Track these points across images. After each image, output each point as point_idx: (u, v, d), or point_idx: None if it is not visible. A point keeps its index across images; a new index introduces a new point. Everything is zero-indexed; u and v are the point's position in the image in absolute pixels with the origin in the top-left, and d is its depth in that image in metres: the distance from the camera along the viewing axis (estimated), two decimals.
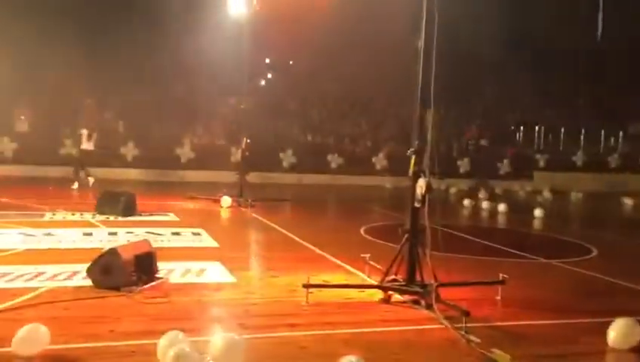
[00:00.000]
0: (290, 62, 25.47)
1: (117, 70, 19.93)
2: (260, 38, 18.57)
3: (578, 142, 27.27)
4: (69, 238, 8.83)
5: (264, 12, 15.09)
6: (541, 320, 5.79)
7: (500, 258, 9.01)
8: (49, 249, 8.06)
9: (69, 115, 19.12)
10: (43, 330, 4.32)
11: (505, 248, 9.75)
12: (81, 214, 11.06)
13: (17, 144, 19.55)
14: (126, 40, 20.81)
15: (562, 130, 27.79)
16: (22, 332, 4.25)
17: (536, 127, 28.11)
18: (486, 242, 10.47)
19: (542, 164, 25.50)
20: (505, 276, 6.26)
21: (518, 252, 9.46)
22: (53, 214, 11.02)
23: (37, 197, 13.16)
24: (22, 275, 6.42)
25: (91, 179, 16.15)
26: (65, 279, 6.38)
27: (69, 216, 10.92)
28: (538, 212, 14.49)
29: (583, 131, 27.37)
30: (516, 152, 25.41)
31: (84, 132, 16.20)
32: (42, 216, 10.83)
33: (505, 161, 24.68)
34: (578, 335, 5.41)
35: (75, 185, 16.02)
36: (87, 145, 16.24)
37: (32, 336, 4.27)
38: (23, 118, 20.18)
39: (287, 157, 22.39)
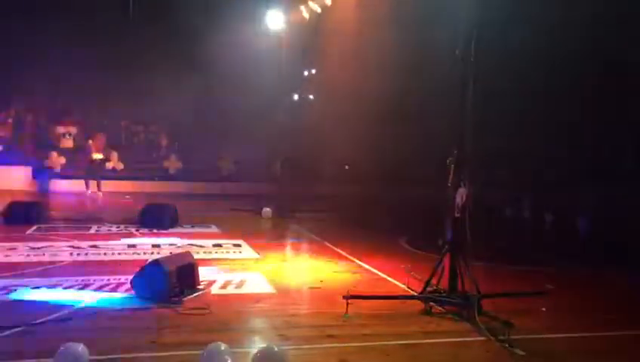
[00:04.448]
0: (313, 71, 25.20)
1: (159, 85, 20.33)
2: (301, 51, 18.74)
3: None
4: (114, 250, 9.02)
5: (306, 25, 15.28)
6: (588, 332, 5.64)
7: (545, 268, 8.82)
8: (94, 261, 8.25)
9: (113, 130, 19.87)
10: (81, 349, 4.25)
11: (549, 257, 9.53)
12: (126, 227, 11.29)
13: (64, 159, 20.16)
14: (166, 55, 21.21)
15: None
16: (60, 351, 4.21)
17: None
18: (530, 251, 10.26)
19: None
20: (550, 286, 6.12)
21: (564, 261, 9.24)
22: (99, 227, 11.29)
23: (83, 210, 13.49)
24: (69, 287, 6.58)
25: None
26: (110, 290, 6.51)
27: (114, 229, 11.16)
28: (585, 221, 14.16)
29: None
30: None
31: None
32: (88, 228, 11.10)
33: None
34: (627, 348, 5.25)
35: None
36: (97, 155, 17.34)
37: (71, 356, 4.23)
38: (68, 134, 20.83)
39: (326, 169, 22.42)
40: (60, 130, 20.80)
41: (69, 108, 20.96)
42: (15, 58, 19.44)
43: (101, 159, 17.75)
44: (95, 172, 17.57)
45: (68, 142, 20.84)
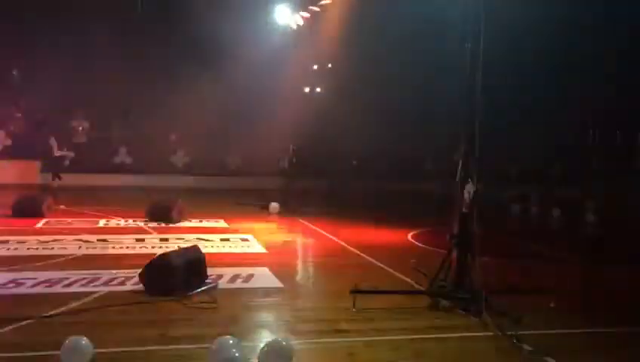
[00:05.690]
0: (329, 65, 25.20)
1: (167, 82, 20.36)
2: (308, 46, 18.70)
3: None
4: (122, 244, 9.07)
5: (311, 21, 15.27)
6: (595, 328, 5.62)
7: (552, 264, 8.80)
8: (103, 255, 8.29)
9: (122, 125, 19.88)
10: (85, 343, 4.30)
11: (557, 253, 9.51)
12: (134, 221, 11.33)
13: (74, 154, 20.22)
14: (175, 51, 21.25)
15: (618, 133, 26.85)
16: (65, 346, 4.25)
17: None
18: (538, 247, 10.24)
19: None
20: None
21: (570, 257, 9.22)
22: (107, 221, 11.34)
23: (92, 204, 13.55)
24: (78, 280, 6.62)
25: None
26: (118, 284, 6.55)
27: (122, 223, 11.21)
28: (591, 217, 14.13)
29: None
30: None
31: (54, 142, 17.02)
32: (97, 222, 11.15)
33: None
34: (634, 344, 5.23)
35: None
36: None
37: (75, 350, 4.26)
38: (81, 129, 20.86)
39: (335, 163, 22.42)
40: (73, 124, 20.86)
41: (81, 102, 21.02)
42: (28, 51, 19.54)
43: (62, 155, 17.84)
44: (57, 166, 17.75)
45: (80, 137, 20.87)
